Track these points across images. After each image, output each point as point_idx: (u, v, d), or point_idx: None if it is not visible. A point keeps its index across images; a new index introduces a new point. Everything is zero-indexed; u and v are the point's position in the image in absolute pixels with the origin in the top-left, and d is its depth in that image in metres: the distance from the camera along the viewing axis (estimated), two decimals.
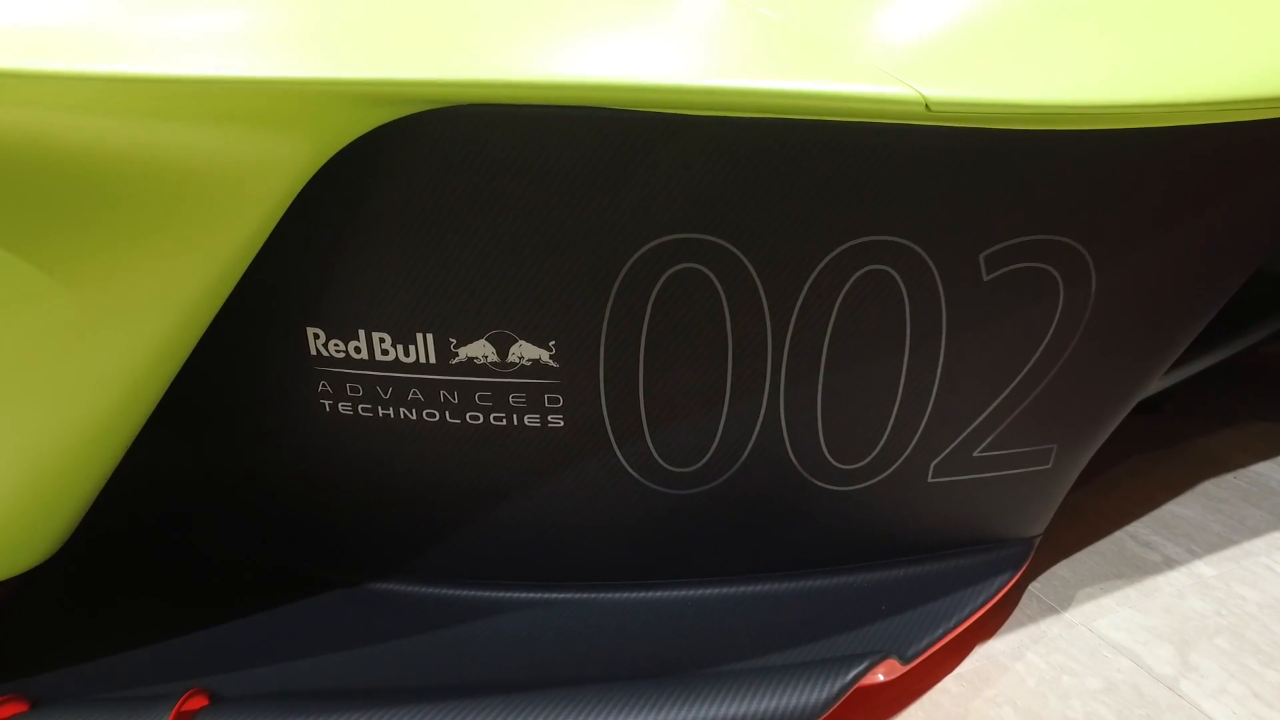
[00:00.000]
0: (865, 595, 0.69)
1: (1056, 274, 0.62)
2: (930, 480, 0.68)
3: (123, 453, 0.60)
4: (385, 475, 0.68)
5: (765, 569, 0.72)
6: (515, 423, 0.64)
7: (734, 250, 0.57)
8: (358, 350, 0.63)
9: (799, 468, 0.66)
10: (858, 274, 0.59)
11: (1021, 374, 0.65)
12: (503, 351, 0.61)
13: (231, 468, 0.72)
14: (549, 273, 0.58)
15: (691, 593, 0.72)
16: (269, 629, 0.68)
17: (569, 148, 0.53)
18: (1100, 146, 0.56)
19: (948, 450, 0.67)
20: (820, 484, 0.67)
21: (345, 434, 0.66)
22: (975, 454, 0.68)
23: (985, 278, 0.61)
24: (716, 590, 0.72)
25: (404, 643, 0.68)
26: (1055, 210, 0.59)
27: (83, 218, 0.48)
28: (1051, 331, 0.64)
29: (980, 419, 0.66)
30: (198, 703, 0.60)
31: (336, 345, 0.63)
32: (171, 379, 0.58)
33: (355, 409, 0.65)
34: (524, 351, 0.61)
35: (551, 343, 0.61)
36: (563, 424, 0.64)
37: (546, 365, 0.61)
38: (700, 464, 0.66)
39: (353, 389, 0.64)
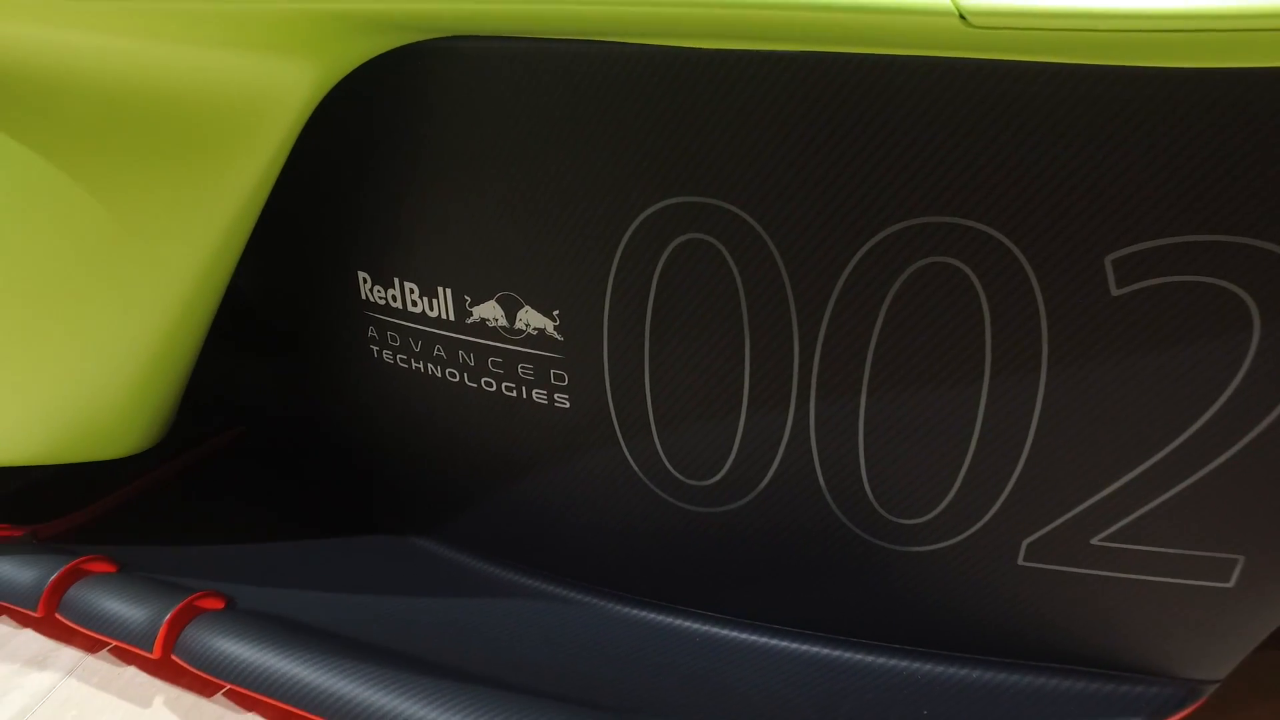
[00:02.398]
0: (911, 689, 0.53)
1: (1248, 299, 0.42)
2: (1022, 563, 0.50)
3: (195, 352, 0.66)
4: (416, 429, 0.68)
5: (798, 624, 0.59)
6: (524, 396, 0.59)
7: (749, 220, 0.47)
8: (395, 299, 0.62)
9: (834, 508, 0.53)
10: (914, 267, 0.45)
11: (1179, 441, 0.45)
12: (510, 316, 0.57)
13: (301, 399, 0.77)
14: (551, 233, 0.53)
15: (709, 630, 0.61)
16: (296, 556, 0.72)
17: (563, 87, 0.47)
18: None
19: (1049, 528, 0.49)
20: (862, 534, 0.53)
21: (387, 382, 0.67)
22: (1094, 541, 0.49)
23: (1114, 291, 0.43)
24: (736, 635, 0.60)
25: (409, 600, 0.67)
26: (1236, 199, 0.39)
27: (129, 136, 0.53)
28: (1236, 384, 0.43)
29: (1104, 494, 0.47)
30: (213, 603, 0.64)
31: (379, 291, 0.63)
32: (225, 283, 0.62)
33: (395, 358, 0.65)
34: (530, 319, 0.56)
35: (556, 312, 0.55)
36: (569, 406, 0.58)
37: (551, 337, 0.56)
38: (715, 480, 0.56)
39: (392, 338, 0.64)
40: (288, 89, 0.51)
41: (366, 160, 0.58)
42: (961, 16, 0.34)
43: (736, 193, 0.46)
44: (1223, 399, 0.44)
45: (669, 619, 0.63)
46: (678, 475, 0.57)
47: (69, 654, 0.69)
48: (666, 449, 0.56)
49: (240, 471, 0.87)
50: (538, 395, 0.59)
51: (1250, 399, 0.43)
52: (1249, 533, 0.47)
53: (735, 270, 0.48)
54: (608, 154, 0.48)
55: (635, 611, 0.63)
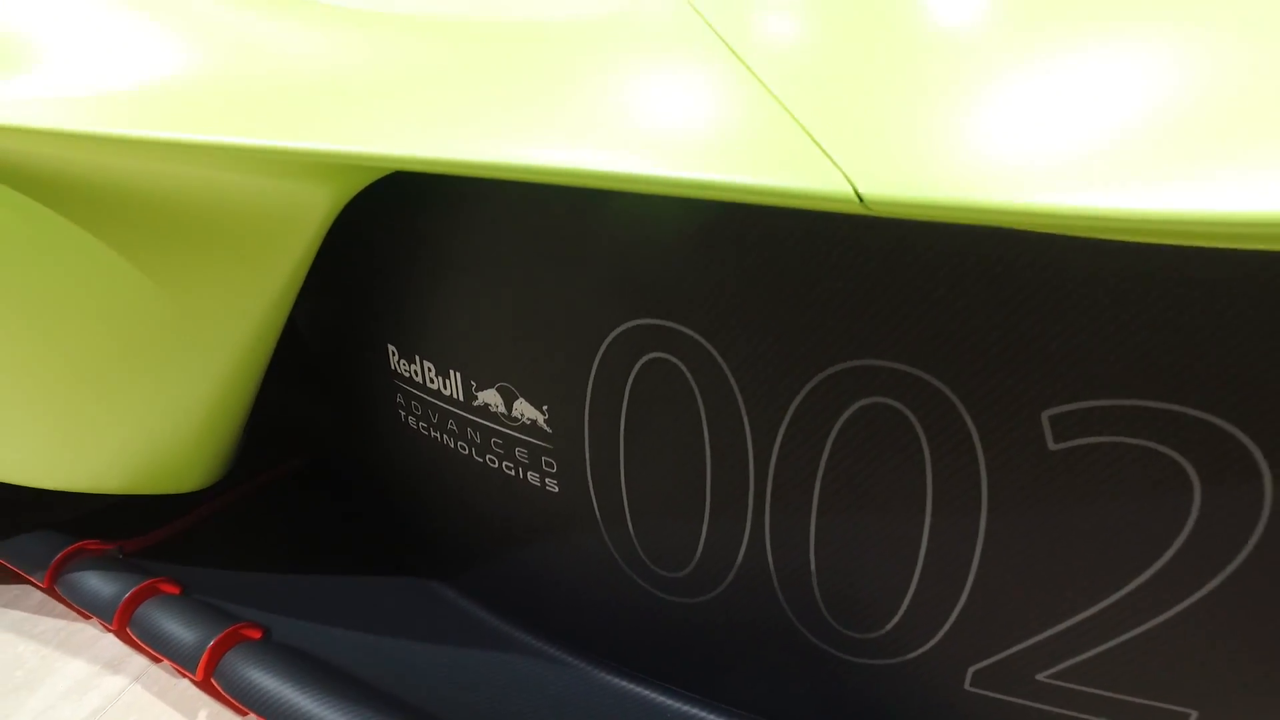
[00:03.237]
0: None
1: (1188, 466, 0.41)
2: (969, 688, 0.51)
3: (248, 404, 0.75)
4: (436, 487, 0.74)
5: (764, 714, 0.61)
6: (520, 476, 0.64)
7: (708, 347, 0.50)
8: (416, 373, 0.68)
9: (789, 613, 0.55)
10: (859, 404, 0.47)
11: (1121, 593, 0.45)
12: (508, 405, 0.62)
13: (347, 441, 0.85)
14: (540, 340, 0.57)
15: (689, 710, 0.64)
16: (330, 591, 0.79)
17: (533, 215, 0.52)
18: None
19: (995, 658, 0.49)
20: (816, 640, 0.55)
21: (411, 442, 0.73)
22: (1041, 677, 0.49)
23: (1051, 445, 0.43)
24: (710, 716, 0.63)
25: (423, 646, 0.73)
26: (1176, 368, 0.39)
27: (188, 233, 0.61)
28: (1179, 546, 0.43)
29: (1048, 633, 0.47)
30: (252, 633, 0.72)
31: (404, 364, 0.69)
32: (272, 346, 0.70)
33: (418, 425, 0.71)
34: (524, 410, 0.61)
35: (545, 407, 0.59)
36: (558, 490, 0.62)
37: (542, 428, 0.60)
38: (684, 573, 0.59)
39: (415, 406, 0.71)
40: (310, 204, 0.58)
41: (390, 252, 0.64)
42: (860, 199, 0.36)
43: (696, 320, 0.49)
44: (1165, 558, 0.43)
45: (651, 693, 0.66)
46: (650, 564, 0.60)
47: (138, 661, 0.79)
48: (640, 540, 0.59)
49: (297, 502, 0.96)
50: (531, 477, 0.63)
51: (1194, 561, 0.43)
52: (1202, 688, 0.46)
53: (696, 390, 0.51)
54: (583, 275, 0.52)
55: (619, 681, 0.67)
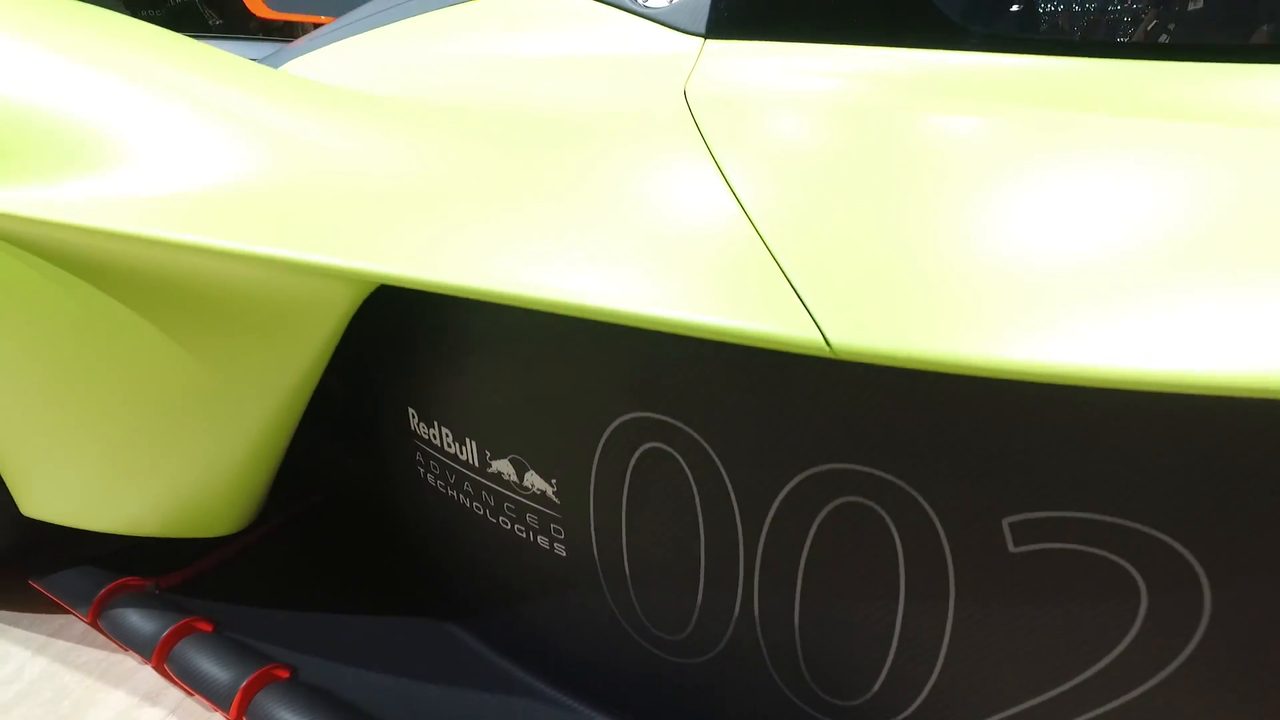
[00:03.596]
0: None
1: (1136, 574, 0.45)
2: None
3: (277, 460, 0.80)
4: (452, 540, 0.79)
5: None
6: (530, 539, 0.69)
7: (702, 442, 0.54)
8: (434, 436, 0.73)
9: (776, 679, 0.59)
10: (838, 500, 0.51)
11: (1076, 680, 0.49)
12: (519, 474, 0.66)
13: (366, 494, 0.90)
14: (550, 421, 0.62)
15: None
16: (352, 632, 0.84)
17: (544, 319, 0.56)
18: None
19: None
20: (801, 704, 0.59)
21: (430, 498, 0.78)
22: None
23: (1011, 548, 0.47)
24: None
25: (437, 689, 0.78)
26: (1126, 488, 0.44)
27: (221, 319, 0.66)
28: (1127, 643, 0.47)
29: (1013, 710, 0.52)
30: (281, 673, 0.78)
31: (423, 426, 0.74)
32: (299, 414, 0.75)
33: (435, 482, 0.76)
34: (534, 481, 0.66)
35: (554, 480, 0.64)
36: (565, 554, 0.67)
37: (550, 499, 0.65)
38: (681, 636, 0.63)
39: (434, 465, 0.76)
40: (333, 297, 0.63)
41: (412, 327, 0.69)
42: (828, 343, 0.41)
43: (691, 417, 0.54)
44: (1115, 652, 0.47)
45: None
46: (649, 625, 0.65)
47: (174, 694, 0.85)
48: (640, 603, 0.64)
49: (319, 541, 1.01)
50: (541, 540, 0.68)
51: (1141, 656, 0.47)
52: None
53: (691, 478, 0.56)
54: (590, 368, 0.57)
55: None
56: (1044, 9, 0.76)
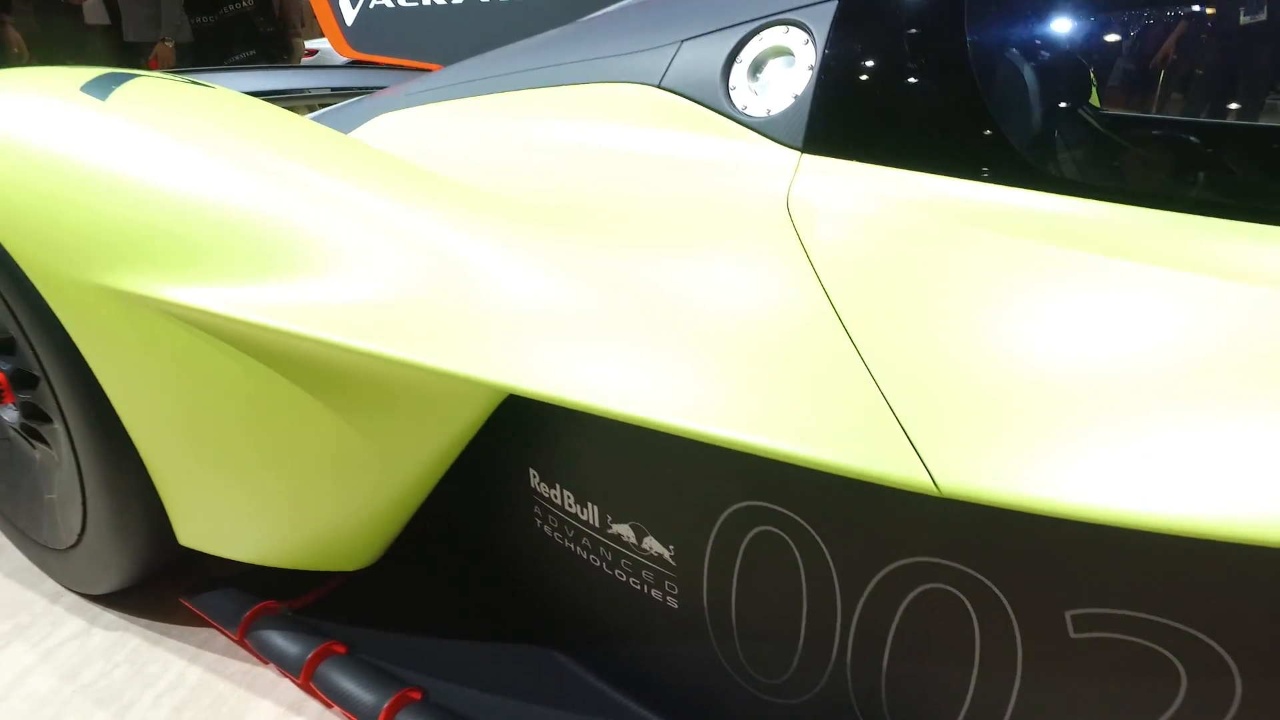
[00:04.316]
0: None
1: (1176, 661, 0.56)
2: None
3: (412, 511, 0.92)
4: (566, 585, 0.90)
5: None
6: (645, 590, 0.80)
7: (810, 530, 0.65)
8: (555, 497, 0.85)
9: None
10: (925, 586, 0.62)
11: None
12: (639, 538, 0.78)
13: (483, 534, 1.02)
14: (671, 501, 0.73)
15: None
16: (475, 655, 0.96)
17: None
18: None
19: None
20: None
21: (545, 545, 0.90)
22: None
23: (1071, 634, 0.58)
24: None
25: (550, 712, 0.90)
26: (1170, 592, 0.54)
27: (385, 403, 0.78)
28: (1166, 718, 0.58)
29: None
30: (414, 694, 0.90)
31: (544, 485, 0.86)
32: (437, 479, 0.87)
33: (552, 534, 0.88)
34: (652, 545, 0.77)
35: (671, 548, 0.75)
36: (677, 606, 0.78)
37: (668, 561, 0.76)
38: (778, 680, 0.74)
39: (552, 519, 0.87)
40: (477, 395, 0.75)
41: (539, 405, 0.80)
42: (936, 485, 0.51)
43: (803, 508, 0.65)
44: None
45: None
46: (750, 670, 0.76)
47: (314, 706, 0.97)
48: (744, 652, 0.75)
49: (434, 565, 1.13)
50: (654, 593, 0.79)
51: None
52: None
53: (799, 558, 0.67)
54: (709, 458, 0.68)
55: None
56: (1119, 162, 0.83)
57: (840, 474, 0.55)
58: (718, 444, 0.59)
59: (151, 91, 0.94)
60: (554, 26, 1.46)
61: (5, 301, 0.92)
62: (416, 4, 1.65)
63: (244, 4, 4.65)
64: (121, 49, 4.04)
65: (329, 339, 0.72)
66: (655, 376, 0.64)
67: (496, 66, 1.11)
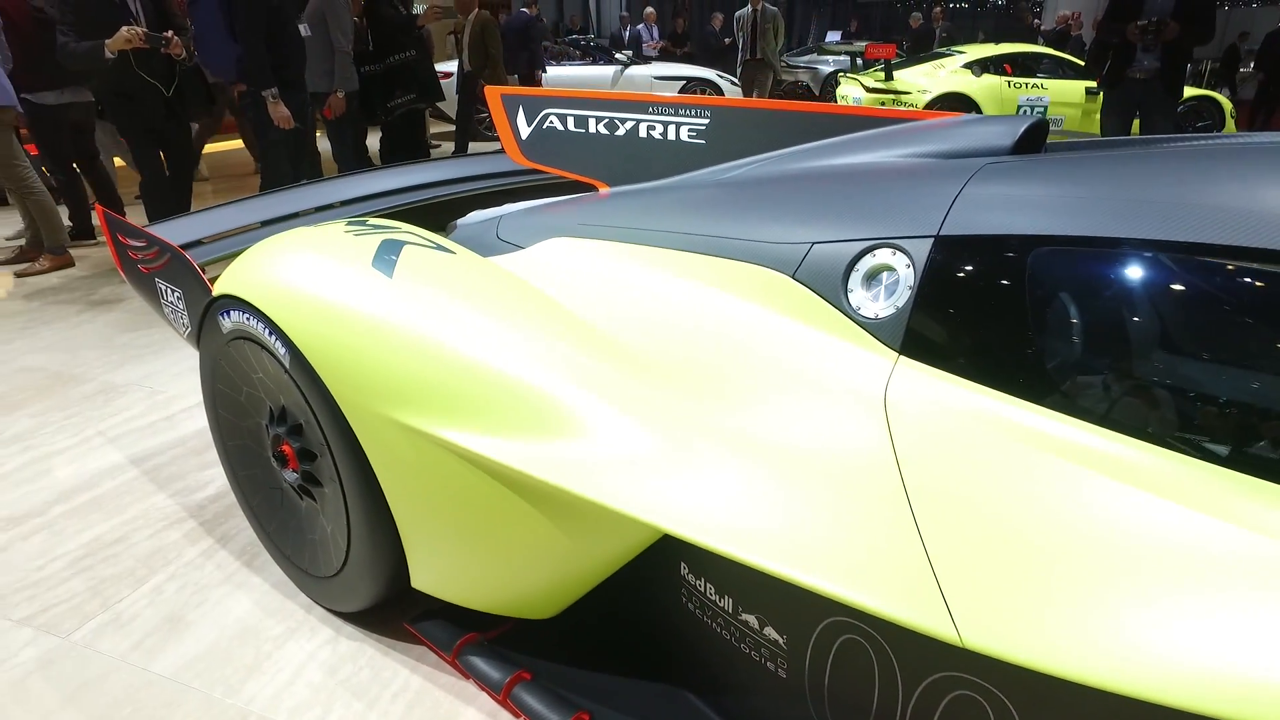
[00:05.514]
0: None
1: None
2: None
3: (593, 586, 1.25)
4: (699, 647, 1.21)
5: None
6: (761, 661, 1.09)
7: (881, 641, 0.93)
8: (699, 585, 1.15)
9: None
10: (958, 691, 0.89)
11: None
12: (760, 626, 1.07)
13: (646, 609, 1.34)
14: (781, 610, 1.02)
15: None
16: (624, 689, 1.28)
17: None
18: None
19: None
20: None
21: (689, 619, 1.20)
22: None
23: None
24: None
25: None
26: None
27: (593, 523, 1.10)
28: None
29: None
30: (585, 716, 1.22)
31: (691, 575, 1.16)
32: (618, 568, 1.19)
33: (694, 610, 1.19)
34: (770, 632, 1.06)
35: (785, 637, 1.04)
36: (785, 676, 1.07)
37: (780, 645, 1.06)
38: None
39: (695, 600, 1.18)
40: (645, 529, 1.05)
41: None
42: (961, 641, 0.78)
43: (879, 625, 0.93)
44: None
45: None
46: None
47: (506, 717, 1.31)
48: (832, 709, 1.03)
49: (589, 619, 1.46)
50: (769, 665, 1.09)
51: None
52: None
53: (874, 660, 0.95)
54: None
55: None
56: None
57: (879, 616, 0.83)
58: (795, 583, 0.88)
59: (424, 267, 1.30)
60: (701, 166, 1.77)
61: (314, 413, 1.30)
62: (583, 131, 1.99)
63: (408, 54, 5.20)
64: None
65: (552, 481, 1.05)
66: (765, 527, 0.94)
67: (660, 220, 1.42)
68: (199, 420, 2.36)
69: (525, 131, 2.17)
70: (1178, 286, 0.97)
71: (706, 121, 1.81)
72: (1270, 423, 0.87)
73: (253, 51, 3.61)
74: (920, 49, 10.12)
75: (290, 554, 1.58)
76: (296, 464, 1.43)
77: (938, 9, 11.67)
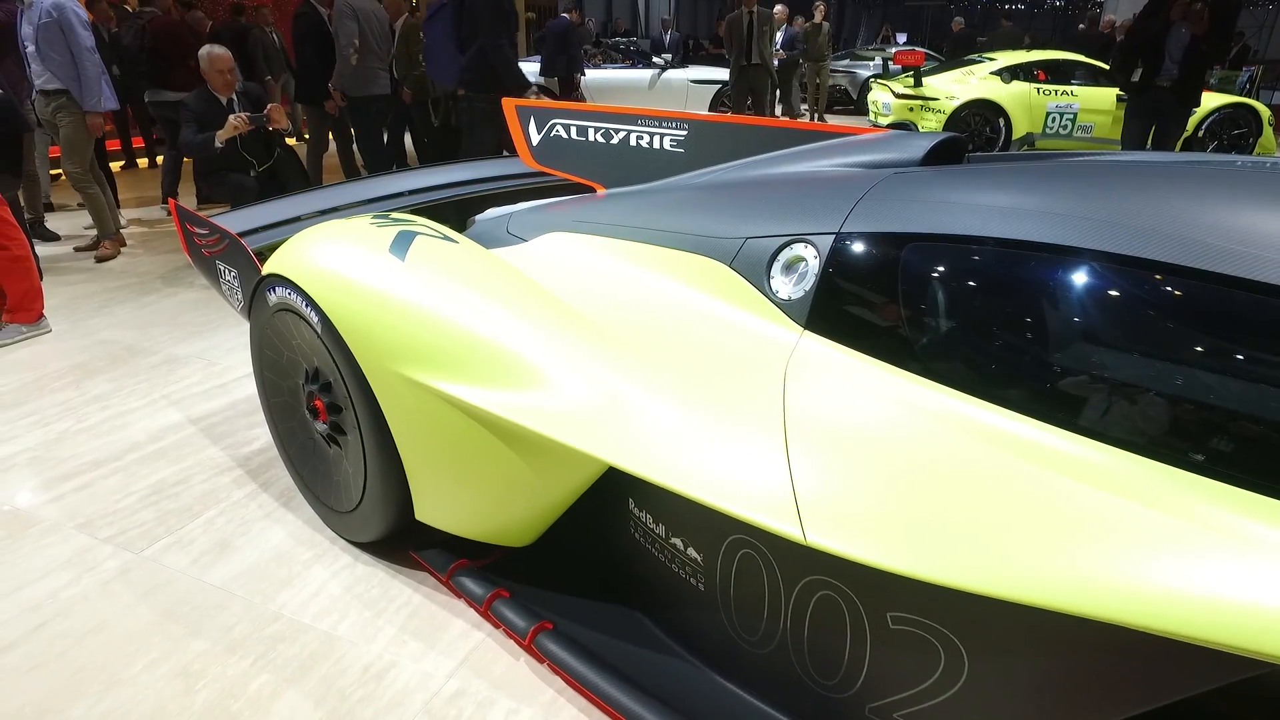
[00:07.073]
0: None
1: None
2: None
3: (558, 515, 1.51)
4: (645, 572, 1.46)
5: None
6: (685, 579, 1.34)
7: (766, 551, 1.17)
8: (642, 516, 1.41)
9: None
10: (819, 594, 1.13)
11: None
12: (685, 547, 1.32)
13: (603, 536, 1.59)
14: (700, 529, 1.27)
15: None
16: (583, 606, 1.54)
17: None
18: None
19: None
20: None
21: (636, 547, 1.46)
22: None
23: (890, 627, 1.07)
24: None
25: (636, 649, 1.46)
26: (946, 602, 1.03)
27: (556, 461, 1.37)
28: None
29: None
30: (548, 625, 1.49)
31: (634, 507, 1.42)
32: (576, 498, 1.45)
33: (638, 538, 1.44)
34: (691, 552, 1.31)
35: (701, 554, 1.29)
36: (703, 589, 1.32)
37: (699, 562, 1.30)
38: (756, 637, 1.27)
39: (638, 530, 1.43)
40: (598, 463, 1.31)
41: None
42: (805, 537, 1.03)
43: (767, 539, 1.17)
44: None
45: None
46: (741, 630, 1.28)
47: (488, 626, 1.58)
48: (738, 620, 1.28)
49: (558, 548, 1.72)
50: (691, 580, 1.33)
51: None
52: None
53: (763, 564, 1.19)
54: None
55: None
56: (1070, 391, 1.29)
57: (757, 526, 1.07)
58: (705, 504, 1.13)
59: (431, 253, 1.58)
60: (684, 170, 2.02)
61: (340, 371, 1.59)
62: (584, 139, 2.26)
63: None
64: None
65: (524, 425, 1.31)
66: (687, 461, 1.19)
67: (636, 218, 1.68)
68: (248, 388, 2.69)
69: (535, 139, 2.44)
70: (1024, 279, 1.19)
71: (685, 133, 2.07)
72: (1070, 376, 1.10)
73: (500, 55, 3.95)
74: (960, 53, 10.18)
75: (319, 493, 1.87)
76: (326, 416, 1.72)
77: (958, 19, 11.70)
